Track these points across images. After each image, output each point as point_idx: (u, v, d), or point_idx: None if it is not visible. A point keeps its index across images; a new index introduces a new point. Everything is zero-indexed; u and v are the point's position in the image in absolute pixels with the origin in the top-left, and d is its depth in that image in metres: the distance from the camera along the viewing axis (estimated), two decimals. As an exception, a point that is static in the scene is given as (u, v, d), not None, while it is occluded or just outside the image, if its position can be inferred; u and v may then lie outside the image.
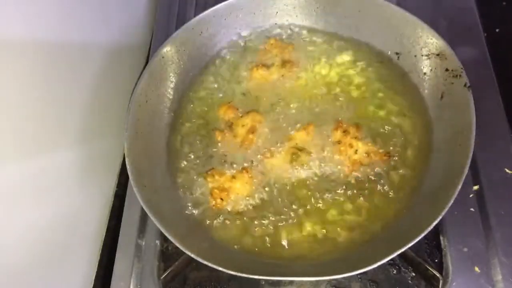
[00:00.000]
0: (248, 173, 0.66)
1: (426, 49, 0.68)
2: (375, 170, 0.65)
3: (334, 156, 0.66)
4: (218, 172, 0.67)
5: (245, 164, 0.68)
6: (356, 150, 0.65)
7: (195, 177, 0.68)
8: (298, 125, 0.70)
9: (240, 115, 0.72)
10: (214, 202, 0.65)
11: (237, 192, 0.66)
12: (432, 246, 0.65)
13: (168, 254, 0.69)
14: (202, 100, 0.76)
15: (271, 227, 0.63)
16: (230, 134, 0.71)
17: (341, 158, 0.66)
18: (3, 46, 0.51)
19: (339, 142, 0.67)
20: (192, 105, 0.76)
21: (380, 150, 0.66)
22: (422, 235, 0.51)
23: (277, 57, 0.78)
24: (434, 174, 0.62)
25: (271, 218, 0.63)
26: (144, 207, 0.58)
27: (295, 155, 0.67)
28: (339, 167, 0.66)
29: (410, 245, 0.52)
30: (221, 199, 0.65)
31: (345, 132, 0.67)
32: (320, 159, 0.67)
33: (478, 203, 0.66)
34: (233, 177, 0.66)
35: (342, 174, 0.65)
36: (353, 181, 0.65)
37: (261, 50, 0.79)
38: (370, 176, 0.64)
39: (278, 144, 0.69)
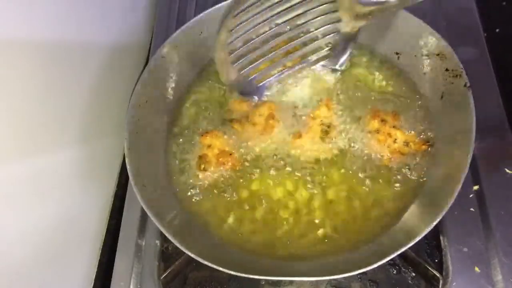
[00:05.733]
0: (209, 133, 0.69)
1: (426, 49, 0.68)
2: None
3: (372, 144, 0.67)
4: (202, 158, 0.68)
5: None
6: (395, 140, 0.65)
7: (195, 175, 0.68)
8: (318, 103, 0.71)
9: (254, 106, 0.73)
10: (230, 164, 0.66)
11: (224, 144, 0.68)
12: (432, 246, 0.65)
13: (168, 254, 0.69)
14: (202, 100, 0.76)
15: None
16: (249, 124, 0.71)
17: (379, 148, 0.66)
18: (3, 46, 0.51)
19: (377, 131, 0.66)
20: (192, 105, 0.76)
21: (418, 138, 0.65)
22: (422, 235, 0.51)
23: None
24: (434, 174, 0.62)
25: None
26: (144, 207, 0.58)
27: (324, 132, 0.67)
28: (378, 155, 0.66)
29: (410, 245, 0.52)
30: (230, 154, 0.67)
31: (383, 121, 0.66)
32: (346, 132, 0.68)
33: (478, 203, 0.66)
34: (209, 146, 0.68)
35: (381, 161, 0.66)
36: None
37: None
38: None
39: (303, 124, 0.69)
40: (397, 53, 0.73)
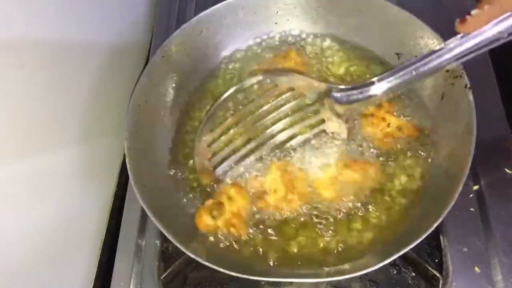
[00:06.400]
0: (238, 187, 0.64)
1: (426, 49, 0.68)
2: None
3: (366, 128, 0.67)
4: (214, 204, 0.63)
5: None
6: (389, 124, 0.66)
7: (195, 177, 0.68)
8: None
9: None
10: (240, 232, 0.61)
11: (244, 207, 0.62)
12: (432, 246, 0.65)
13: (168, 254, 0.69)
14: (203, 100, 0.76)
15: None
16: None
17: (372, 131, 0.67)
18: (3, 46, 0.51)
19: (372, 115, 0.67)
20: (192, 105, 0.76)
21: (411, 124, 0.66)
22: (423, 236, 0.51)
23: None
24: (434, 174, 0.62)
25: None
26: (144, 207, 0.58)
27: None
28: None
29: (411, 246, 0.51)
30: (244, 222, 0.61)
31: (379, 106, 0.67)
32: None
33: (478, 203, 0.66)
34: (229, 198, 0.62)
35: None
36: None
37: (277, 56, 0.77)
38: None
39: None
40: (397, 53, 0.73)
